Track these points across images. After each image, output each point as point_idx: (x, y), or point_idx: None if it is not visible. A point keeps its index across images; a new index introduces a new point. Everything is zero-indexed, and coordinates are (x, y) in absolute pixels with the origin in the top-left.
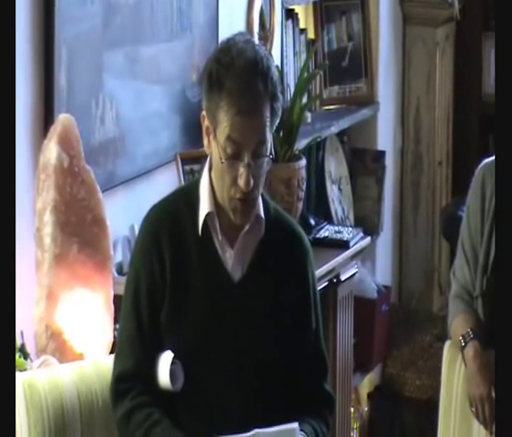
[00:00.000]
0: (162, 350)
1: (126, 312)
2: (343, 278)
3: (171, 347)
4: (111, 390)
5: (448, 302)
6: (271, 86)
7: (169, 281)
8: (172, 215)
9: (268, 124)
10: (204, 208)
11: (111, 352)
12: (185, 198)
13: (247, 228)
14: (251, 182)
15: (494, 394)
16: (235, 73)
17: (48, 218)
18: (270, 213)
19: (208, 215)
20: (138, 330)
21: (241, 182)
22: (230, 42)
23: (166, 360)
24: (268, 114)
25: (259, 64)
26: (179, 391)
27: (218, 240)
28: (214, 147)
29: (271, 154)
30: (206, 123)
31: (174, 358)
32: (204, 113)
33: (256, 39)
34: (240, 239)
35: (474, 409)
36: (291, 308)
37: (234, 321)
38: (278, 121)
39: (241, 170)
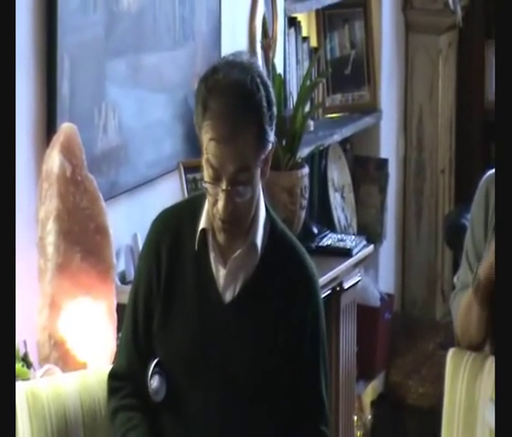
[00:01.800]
0: (155, 356)
1: (126, 314)
2: (346, 286)
3: (160, 356)
4: (107, 383)
5: (451, 303)
6: (255, 114)
7: (163, 291)
8: (176, 224)
9: (250, 152)
10: (201, 222)
11: (113, 362)
12: (191, 208)
13: (239, 252)
14: (230, 207)
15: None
16: (216, 97)
17: (51, 226)
18: (274, 235)
19: (204, 230)
20: (134, 333)
21: (219, 206)
22: (222, 61)
23: (150, 368)
24: (251, 142)
25: (241, 90)
26: (162, 400)
27: (212, 258)
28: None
29: (264, 172)
30: None
31: (159, 368)
32: None
33: (258, 48)
34: (232, 262)
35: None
36: (282, 339)
37: (220, 342)
38: (268, 149)
39: (220, 195)
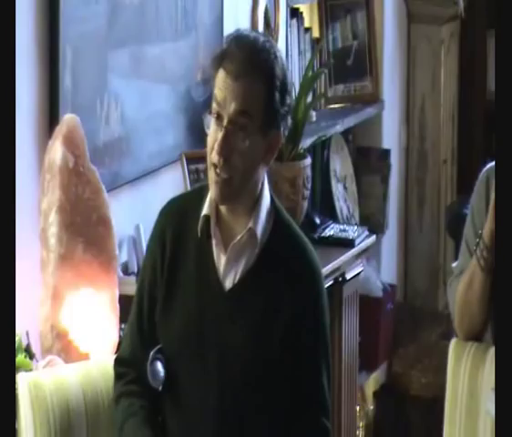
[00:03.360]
0: (158, 344)
1: (133, 301)
2: (348, 276)
3: (161, 343)
4: (113, 368)
5: (448, 289)
6: (269, 71)
7: (165, 278)
8: (181, 211)
9: (257, 100)
10: (205, 209)
11: (116, 352)
12: (198, 196)
13: (237, 239)
14: (227, 150)
15: None
16: (235, 45)
17: (53, 218)
18: (279, 225)
19: (207, 218)
20: (138, 320)
21: (216, 145)
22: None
23: (150, 355)
24: (259, 91)
25: (259, 44)
26: (162, 388)
27: (214, 244)
28: None
29: (267, 159)
30: None
31: (160, 355)
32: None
33: None
34: (231, 249)
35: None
36: (282, 328)
37: (219, 330)
38: (276, 116)
39: (219, 135)
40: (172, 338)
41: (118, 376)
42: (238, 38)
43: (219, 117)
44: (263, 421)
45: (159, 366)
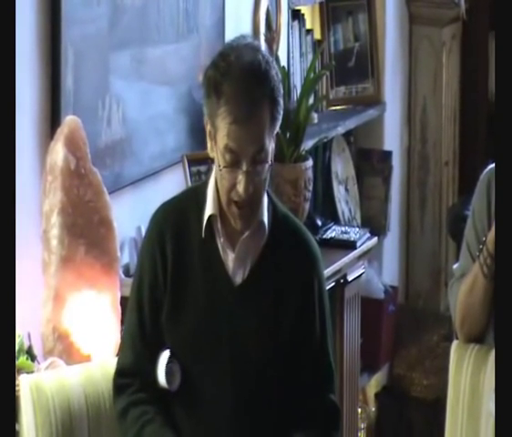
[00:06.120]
0: (163, 347)
1: (130, 307)
2: (350, 278)
3: (170, 346)
4: (113, 383)
5: (449, 291)
6: (270, 90)
7: (170, 280)
8: (179, 214)
9: (267, 129)
10: (208, 209)
11: (118, 354)
12: (194, 197)
13: (247, 233)
14: (251, 188)
15: None
16: (231, 80)
17: (55, 219)
18: (277, 217)
19: (211, 217)
20: (140, 326)
21: (240, 189)
22: (229, 46)
23: (163, 359)
24: (267, 119)
25: (256, 69)
26: (176, 390)
27: (220, 243)
28: (215, 152)
29: (272, 159)
30: (208, 127)
31: (172, 357)
32: (206, 117)
33: (262, 40)
34: (241, 244)
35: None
36: (292, 317)
37: (232, 326)
38: (279, 125)
39: (240, 177)
40: (183, 338)
41: (121, 388)
42: (234, 74)
43: (234, 163)
44: (277, 408)
45: (174, 368)
